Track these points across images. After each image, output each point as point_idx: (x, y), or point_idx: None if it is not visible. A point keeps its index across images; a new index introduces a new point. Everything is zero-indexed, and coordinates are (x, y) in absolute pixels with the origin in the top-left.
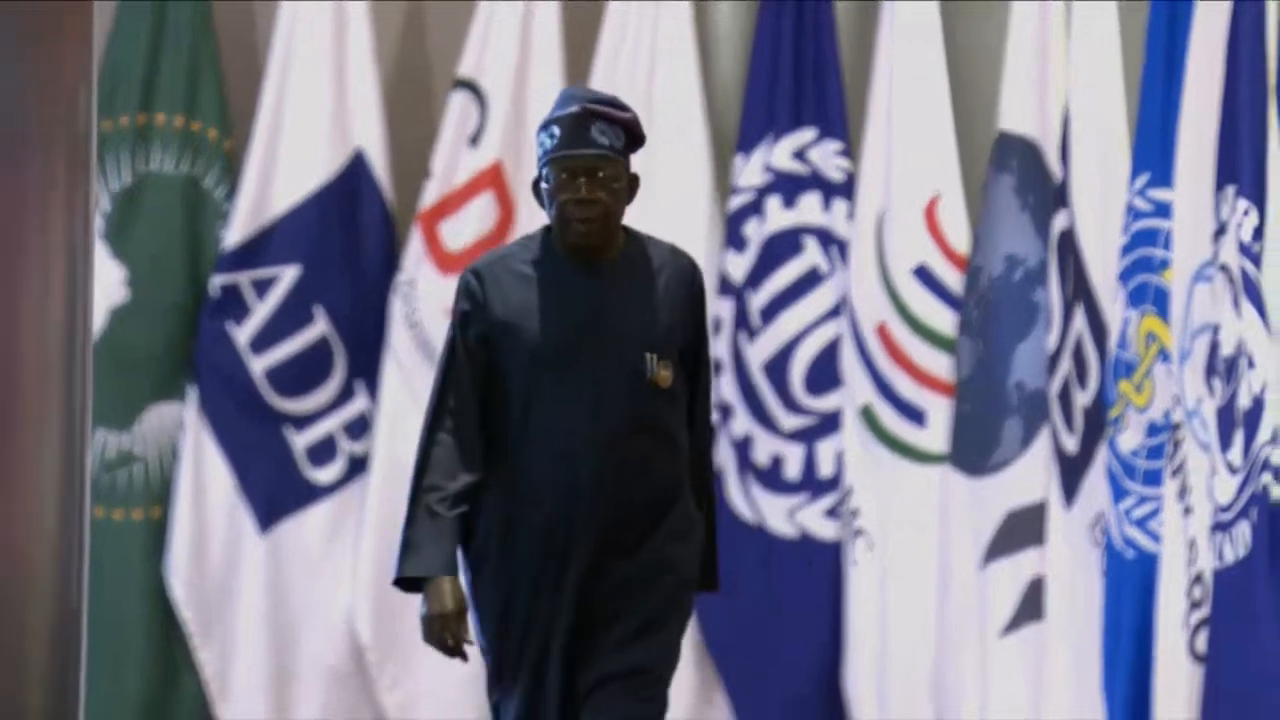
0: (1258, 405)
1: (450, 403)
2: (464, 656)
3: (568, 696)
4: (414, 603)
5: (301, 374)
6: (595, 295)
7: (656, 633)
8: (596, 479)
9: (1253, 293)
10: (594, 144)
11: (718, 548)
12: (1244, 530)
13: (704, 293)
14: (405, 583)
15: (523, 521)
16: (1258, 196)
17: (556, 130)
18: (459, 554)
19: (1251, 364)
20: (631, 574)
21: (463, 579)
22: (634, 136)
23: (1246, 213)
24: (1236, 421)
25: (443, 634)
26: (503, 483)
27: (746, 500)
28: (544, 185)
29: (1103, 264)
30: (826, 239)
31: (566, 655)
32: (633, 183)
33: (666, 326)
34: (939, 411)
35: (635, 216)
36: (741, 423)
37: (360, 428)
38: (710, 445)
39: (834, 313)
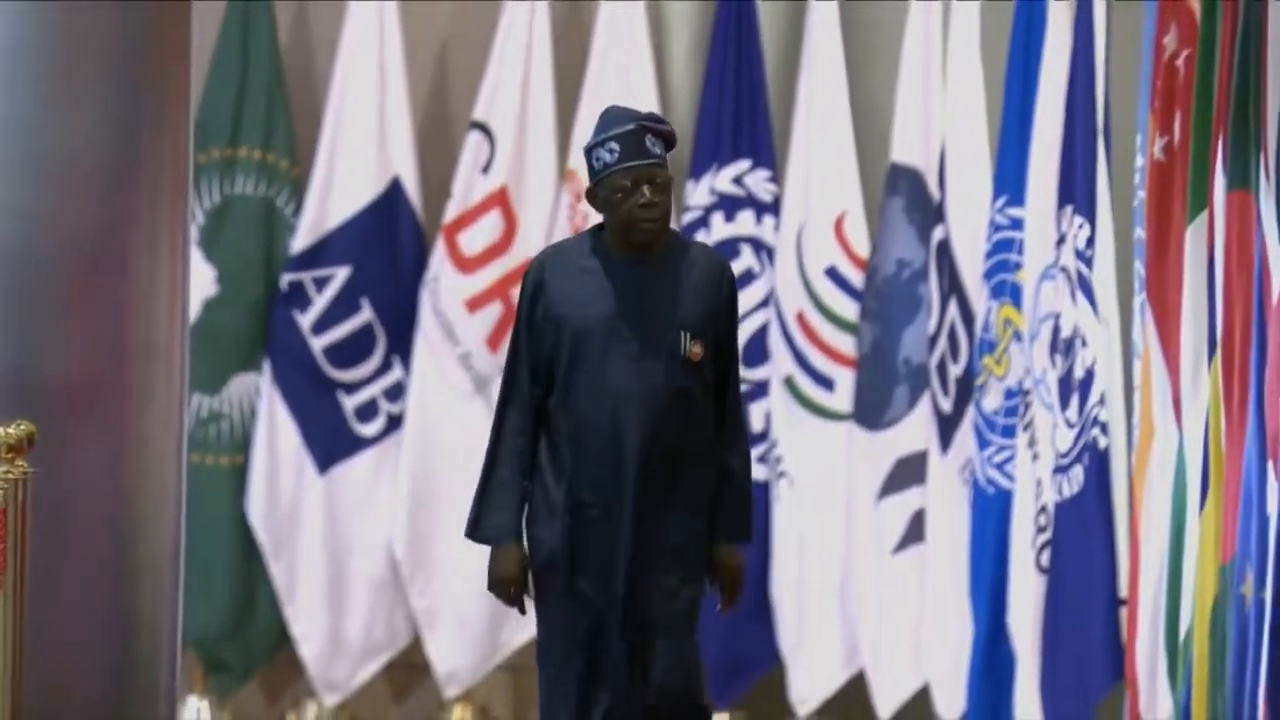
0: (1089, 375)
1: (519, 377)
2: (523, 610)
3: (619, 626)
4: (440, 528)
5: (351, 351)
6: (641, 284)
7: (687, 579)
8: (637, 434)
9: (1086, 288)
10: (650, 154)
11: (751, 502)
12: (1078, 472)
13: (734, 286)
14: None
15: (577, 467)
16: (1089, 213)
17: (615, 146)
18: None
19: (1084, 343)
20: (670, 522)
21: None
22: (670, 144)
23: (1081, 226)
24: (1073, 388)
25: (505, 593)
26: (561, 434)
27: None
28: (604, 194)
29: (971, 266)
30: (758, 246)
31: (621, 588)
32: (672, 184)
33: (699, 312)
34: (845, 380)
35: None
36: None
37: (397, 392)
38: (742, 411)
39: (764, 304)
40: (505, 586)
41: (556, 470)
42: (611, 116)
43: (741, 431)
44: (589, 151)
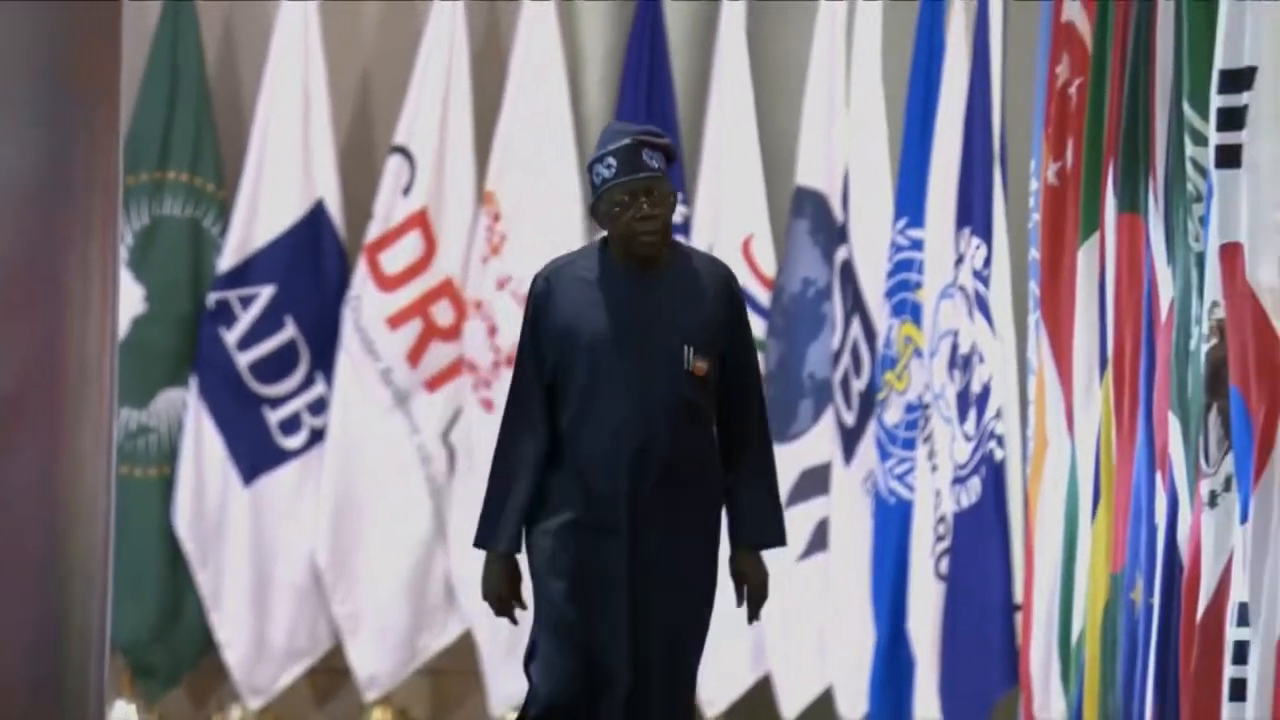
0: (986, 390)
1: (524, 390)
2: (513, 620)
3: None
4: (361, 537)
5: (275, 366)
6: (645, 297)
7: (695, 593)
8: (642, 445)
9: (983, 306)
10: (647, 168)
11: (781, 506)
12: (975, 483)
13: (740, 294)
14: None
15: (581, 479)
16: (986, 235)
17: (613, 161)
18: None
19: (981, 359)
20: (675, 537)
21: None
22: (670, 158)
23: (978, 247)
24: (970, 402)
25: (495, 603)
26: (566, 447)
27: None
28: (604, 208)
29: (873, 285)
30: None
31: (625, 597)
32: (673, 196)
33: (704, 324)
34: None
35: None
36: None
37: (319, 407)
38: (766, 414)
39: None
40: (492, 600)
41: (560, 482)
42: (610, 133)
43: (767, 435)
44: (590, 168)
